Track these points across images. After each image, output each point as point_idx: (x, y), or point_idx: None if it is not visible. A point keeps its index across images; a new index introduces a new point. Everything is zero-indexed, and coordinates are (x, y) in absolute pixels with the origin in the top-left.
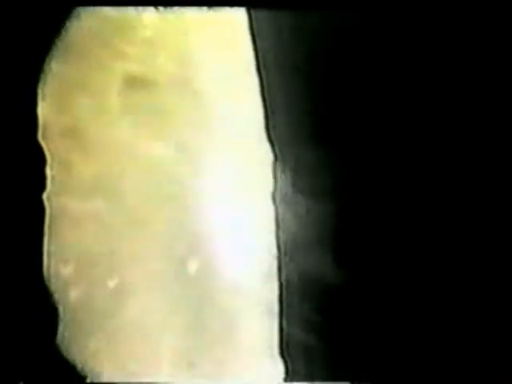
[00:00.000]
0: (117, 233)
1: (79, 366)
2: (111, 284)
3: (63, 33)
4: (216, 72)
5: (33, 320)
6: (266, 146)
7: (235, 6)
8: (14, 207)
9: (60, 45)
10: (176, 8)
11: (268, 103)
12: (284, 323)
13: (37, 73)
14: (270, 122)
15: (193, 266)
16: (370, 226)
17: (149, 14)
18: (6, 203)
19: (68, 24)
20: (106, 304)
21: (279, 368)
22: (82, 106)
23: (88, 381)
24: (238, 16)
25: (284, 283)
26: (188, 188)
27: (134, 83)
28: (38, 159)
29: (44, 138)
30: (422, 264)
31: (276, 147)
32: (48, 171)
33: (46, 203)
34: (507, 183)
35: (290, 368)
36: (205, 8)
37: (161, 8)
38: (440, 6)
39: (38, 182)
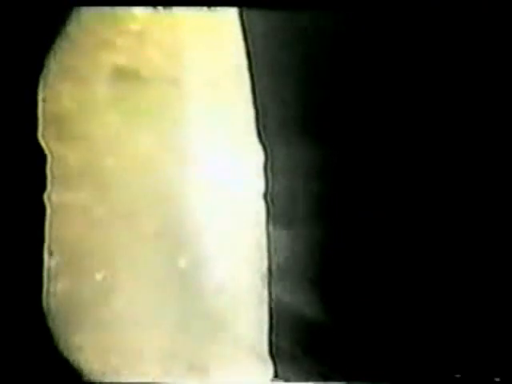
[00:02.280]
0: (105, 226)
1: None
2: (98, 277)
3: (62, 32)
4: (206, 69)
5: (34, 319)
6: (257, 145)
7: (227, 6)
8: (12, 205)
9: (58, 43)
10: (174, 8)
11: (259, 103)
12: (274, 321)
13: (37, 72)
14: (260, 121)
15: (182, 262)
16: (362, 231)
17: (140, 8)
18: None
19: (67, 23)
20: (93, 297)
21: (268, 367)
22: (70, 97)
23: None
24: (230, 15)
25: (275, 279)
26: (177, 184)
27: (122, 75)
28: (37, 158)
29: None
30: (417, 294)
31: (267, 147)
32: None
33: (45, 200)
34: (507, 183)
35: (278, 367)
36: (200, 8)
37: (160, 8)
38: (440, 6)
39: (37, 179)
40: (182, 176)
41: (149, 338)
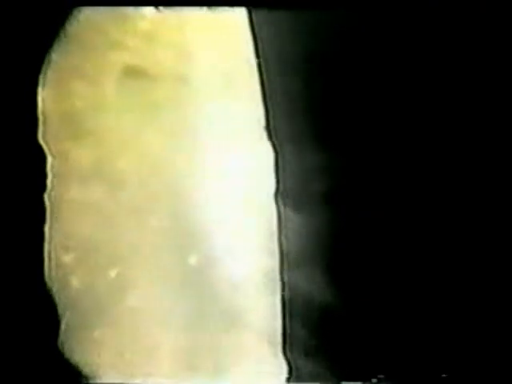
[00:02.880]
0: (117, 222)
1: (78, 359)
2: (112, 273)
3: (64, 28)
4: (215, 69)
5: (36, 320)
6: (267, 144)
7: (236, 6)
8: (15, 201)
9: (61, 37)
10: (177, 8)
11: (268, 103)
12: (287, 319)
13: (37, 72)
14: (270, 121)
15: (194, 258)
16: (368, 227)
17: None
18: (7, 196)
19: (69, 20)
20: (107, 293)
21: (282, 366)
22: (80, 95)
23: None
24: (239, 15)
25: (287, 280)
26: (187, 182)
27: (132, 74)
28: (38, 153)
29: (43, 127)
30: (419, 277)
31: (277, 146)
32: (48, 163)
33: (46, 195)
34: (507, 183)
35: (293, 366)
36: (205, 8)
37: (161, 8)
38: (440, 6)
39: (39, 175)
40: (192, 173)
41: (163, 335)
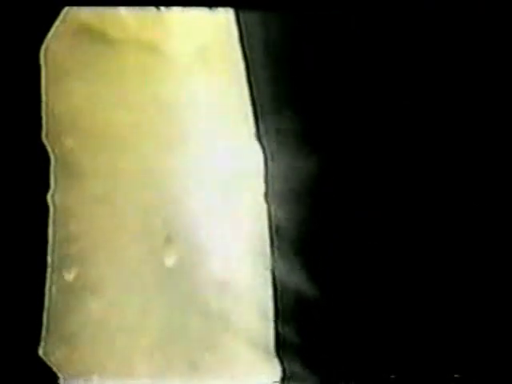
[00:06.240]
0: (75, 213)
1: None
2: (68, 276)
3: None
4: (194, 38)
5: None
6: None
7: (223, 7)
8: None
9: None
10: (178, 8)
11: (257, 102)
12: (279, 323)
13: (38, 70)
14: (260, 122)
15: (172, 259)
16: (362, 228)
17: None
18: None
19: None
20: (60, 300)
21: (275, 372)
22: None
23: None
24: (227, 16)
25: (278, 282)
26: (162, 168)
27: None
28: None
29: None
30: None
31: (267, 148)
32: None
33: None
34: (504, 183)
35: (287, 371)
36: (205, 8)
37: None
38: (440, 6)
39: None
40: (162, 160)
41: (133, 347)
